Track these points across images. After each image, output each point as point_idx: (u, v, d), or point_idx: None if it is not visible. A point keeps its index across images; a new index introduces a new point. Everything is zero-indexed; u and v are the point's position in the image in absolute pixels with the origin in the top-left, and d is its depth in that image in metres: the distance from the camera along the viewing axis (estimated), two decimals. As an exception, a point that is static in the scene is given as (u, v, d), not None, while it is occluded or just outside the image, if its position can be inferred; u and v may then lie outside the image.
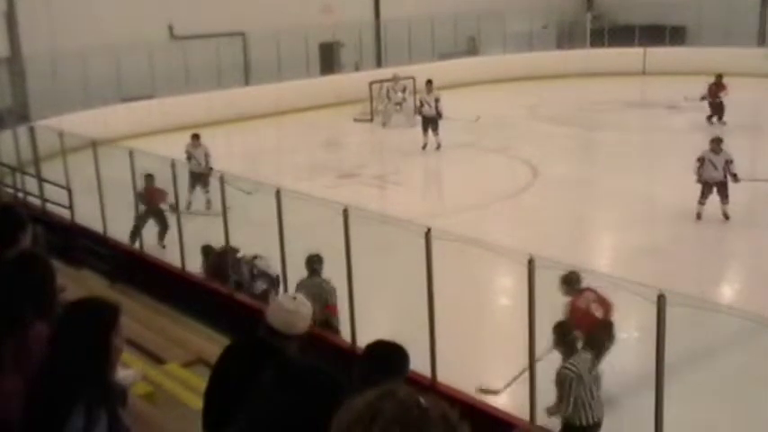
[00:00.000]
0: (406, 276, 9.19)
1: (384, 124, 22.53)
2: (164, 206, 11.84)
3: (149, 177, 11.60)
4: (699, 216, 13.27)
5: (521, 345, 6.66)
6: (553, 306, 7.35)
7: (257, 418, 2.81)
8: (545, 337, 6.56)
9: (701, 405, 7.78)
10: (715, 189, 13.17)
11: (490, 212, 14.49)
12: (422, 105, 19.46)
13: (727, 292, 11.21)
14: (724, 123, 20.19)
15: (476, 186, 15.92)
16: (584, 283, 7.65)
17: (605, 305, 7.62)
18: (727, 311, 8.65)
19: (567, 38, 31.62)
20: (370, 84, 23.34)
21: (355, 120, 23.48)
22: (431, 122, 19.06)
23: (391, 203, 15.44)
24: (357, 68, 27.41)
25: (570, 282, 7.65)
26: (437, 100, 19.20)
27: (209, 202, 13.48)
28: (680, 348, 6.80)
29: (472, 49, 30.44)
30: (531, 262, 6.34)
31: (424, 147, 19.12)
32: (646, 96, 26.32)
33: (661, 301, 5.54)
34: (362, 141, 21.91)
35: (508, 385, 7.37)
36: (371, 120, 22.94)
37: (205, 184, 13.84)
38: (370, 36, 28.47)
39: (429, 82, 19.61)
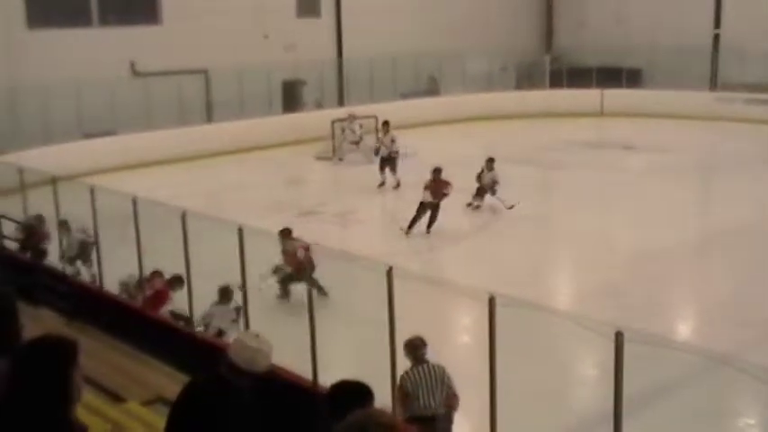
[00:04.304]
0: (367, 313, 9.23)
1: (340, 159, 22.74)
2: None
3: None
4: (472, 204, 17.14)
5: (481, 382, 6.71)
6: (512, 342, 7.43)
7: None
8: (507, 373, 6.62)
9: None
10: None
11: (449, 251, 14.60)
12: (379, 146, 20.07)
13: (684, 329, 11.40)
14: (428, 233, 15.47)
15: (435, 225, 16.03)
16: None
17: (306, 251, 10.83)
18: (683, 348, 8.80)
19: (526, 79, 32.17)
20: (332, 122, 23.50)
21: (317, 158, 23.59)
22: (388, 162, 19.61)
23: (352, 241, 15.47)
24: (319, 106, 27.60)
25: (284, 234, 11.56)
26: (393, 141, 19.76)
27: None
28: (637, 385, 6.91)
29: (433, 88, 30.82)
30: (491, 300, 6.39)
31: (381, 185, 19.60)
32: (603, 137, 26.82)
33: (619, 338, 5.63)
34: (324, 179, 22.01)
35: None
36: (333, 158, 23.07)
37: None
38: (333, 75, 28.72)
39: (385, 123, 20.28)
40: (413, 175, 20.39)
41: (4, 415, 2.86)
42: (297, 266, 11.25)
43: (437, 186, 15.46)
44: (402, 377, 7.08)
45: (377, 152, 20.27)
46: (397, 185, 19.46)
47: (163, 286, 10.28)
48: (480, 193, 17.28)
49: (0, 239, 12.15)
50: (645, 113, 27.14)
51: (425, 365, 7.13)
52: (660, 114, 26.78)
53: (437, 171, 15.66)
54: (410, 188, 19.28)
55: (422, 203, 15.44)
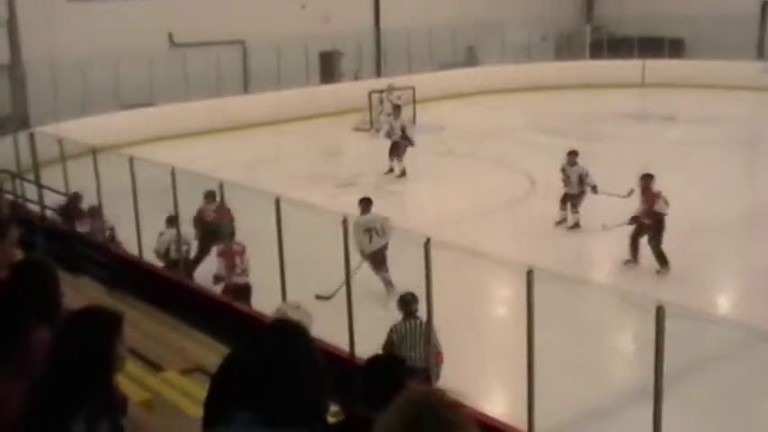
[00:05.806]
0: (405, 285, 9.20)
1: (378, 131, 22.49)
2: None
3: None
4: (560, 222, 14.11)
5: (519, 355, 6.65)
6: (551, 315, 7.36)
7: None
8: (544, 347, 6.55)
9: (700, 418, 7.77)
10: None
11: (489, 223, 14.50)
12: (391, 130, 18.79)
13: (726, 304, 11.23)
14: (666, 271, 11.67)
15: (474, 197, 15.92)
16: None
17: (222, 212, 10.74)
18: (724, 323, 8.67)
19: (565, 49, 31.70)
20: (370, 93, 23.39)
21: (354, 129, 23.52)
22: (398, 148, 18.21)
23: (390, 213, 15.41)
24: (357, 78, 27.48)
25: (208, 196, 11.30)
26: (404, 127, 18.68)
27: None
28: (677, 360, 6.81)
29: (471, 59, 30.51)
30: (529, 273, 6.32)
31: (389, 172, 18.23)
32: (644, 108, 26.38)
33: (660, 312, 5.53)
34: (361, 150, 21.94)
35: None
36: (370, 129, 22.98)
37: None
38: (370, 45, 28.54)
39: (397, 107, 19.74)
40: (452, 144, 20.37)
41: (45, 386, 2.87)
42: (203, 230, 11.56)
43: (649, 202, 11.80)
44: (391, 328, 7.61)
45: (389, 135, 18.79)
46: (403, 173, 18.11)
47: (235, 250, 10.03)
48: (566, 201, 14.06)
49: (42, 209, 12.30)
50: (688, 84, 26.59)
51: (414, 321, 7.55)
52: (704, 85, 26.23)
53: (646, 177, 11.91)
54: (449, 160, 19.21)
55: (638, 222, 11.92)
